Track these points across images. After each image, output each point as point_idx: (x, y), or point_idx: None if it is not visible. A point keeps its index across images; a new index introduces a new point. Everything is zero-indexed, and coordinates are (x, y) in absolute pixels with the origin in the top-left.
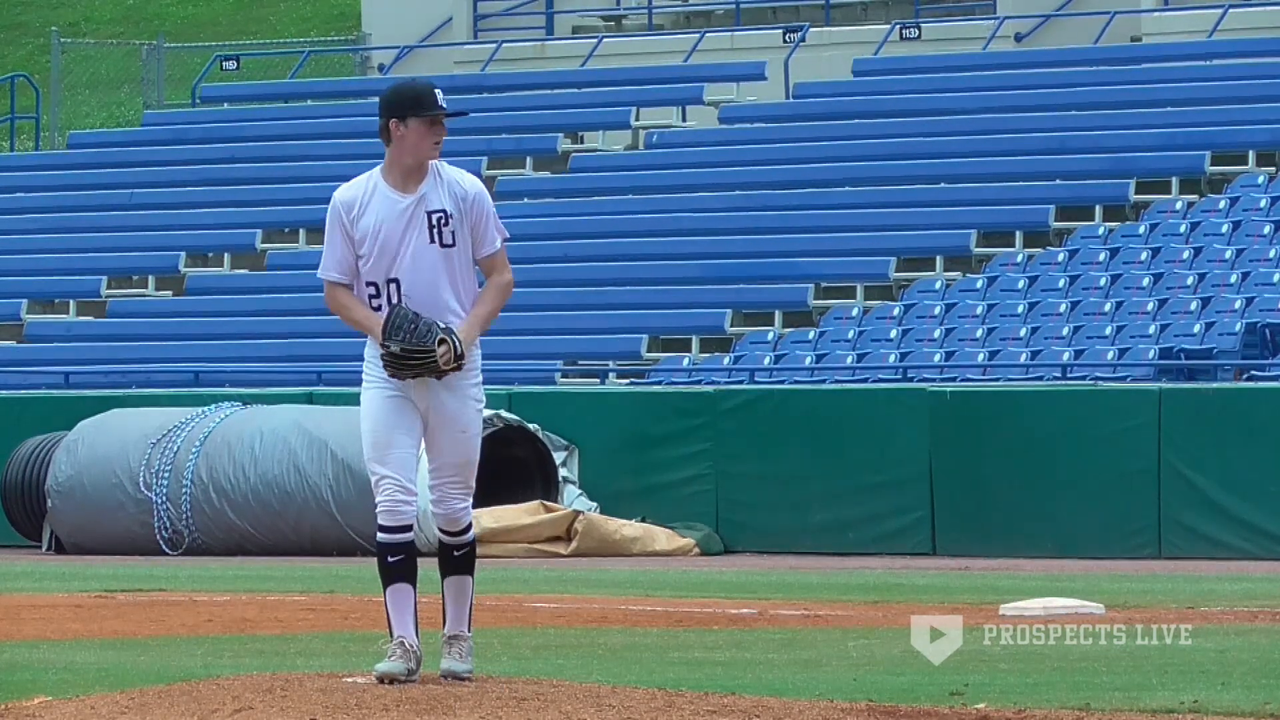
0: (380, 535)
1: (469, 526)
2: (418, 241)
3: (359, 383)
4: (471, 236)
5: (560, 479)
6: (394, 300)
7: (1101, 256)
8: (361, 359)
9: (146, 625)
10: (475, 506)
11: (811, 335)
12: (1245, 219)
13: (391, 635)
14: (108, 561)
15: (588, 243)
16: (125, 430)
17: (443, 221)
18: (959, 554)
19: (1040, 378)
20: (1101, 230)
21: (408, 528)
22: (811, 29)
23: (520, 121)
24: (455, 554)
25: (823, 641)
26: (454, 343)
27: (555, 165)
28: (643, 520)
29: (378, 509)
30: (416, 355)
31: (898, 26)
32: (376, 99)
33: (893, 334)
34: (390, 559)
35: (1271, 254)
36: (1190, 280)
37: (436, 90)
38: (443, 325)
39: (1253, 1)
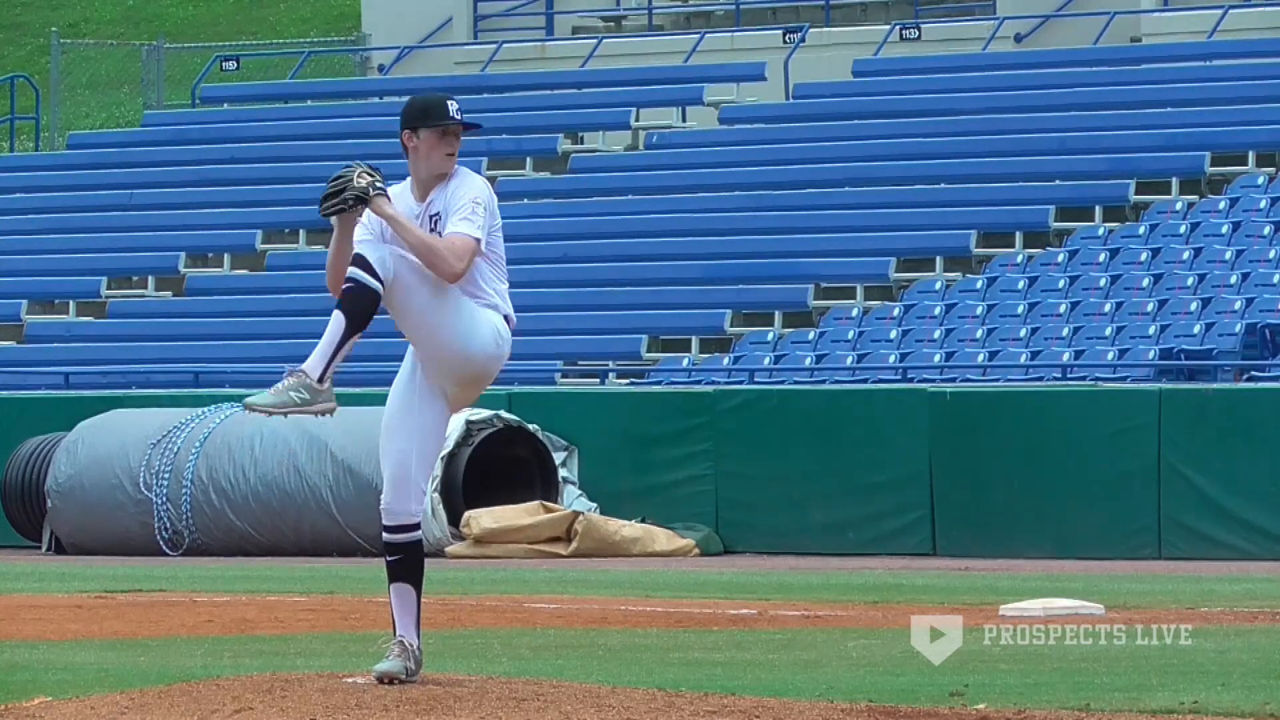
0: (383, 535)
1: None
2: None
3: (359, 383)
4: None
5: (560, 479)
6: None
7: (1101, 257)
8: (364, 359)
9: (146, 625)
10: (475, 506)
11: (811, 335)
12: (1245, 219)
13: (394, 634)
14: (108, 562)
15: (588, 243)
16: (125, 431)
17: (436, 221)
18: (959, 554)
19: (1040, 378)
20: (1101, 231)
21: (406, 528)
22: (811, 29)
23: (520, 122)
24: None
25: (823, 642)
26: (375, 179)
27: (555, 165)
28: (643, 521)
29: (381, 507)
30: (335, 189)
31: (898, 27)
32: (377, 99)
33: (893, 334)
34: (389, 559)
35: (1271, 254)
36: (1190, 281)
37: (450, 102)
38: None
39: (1253, 1)
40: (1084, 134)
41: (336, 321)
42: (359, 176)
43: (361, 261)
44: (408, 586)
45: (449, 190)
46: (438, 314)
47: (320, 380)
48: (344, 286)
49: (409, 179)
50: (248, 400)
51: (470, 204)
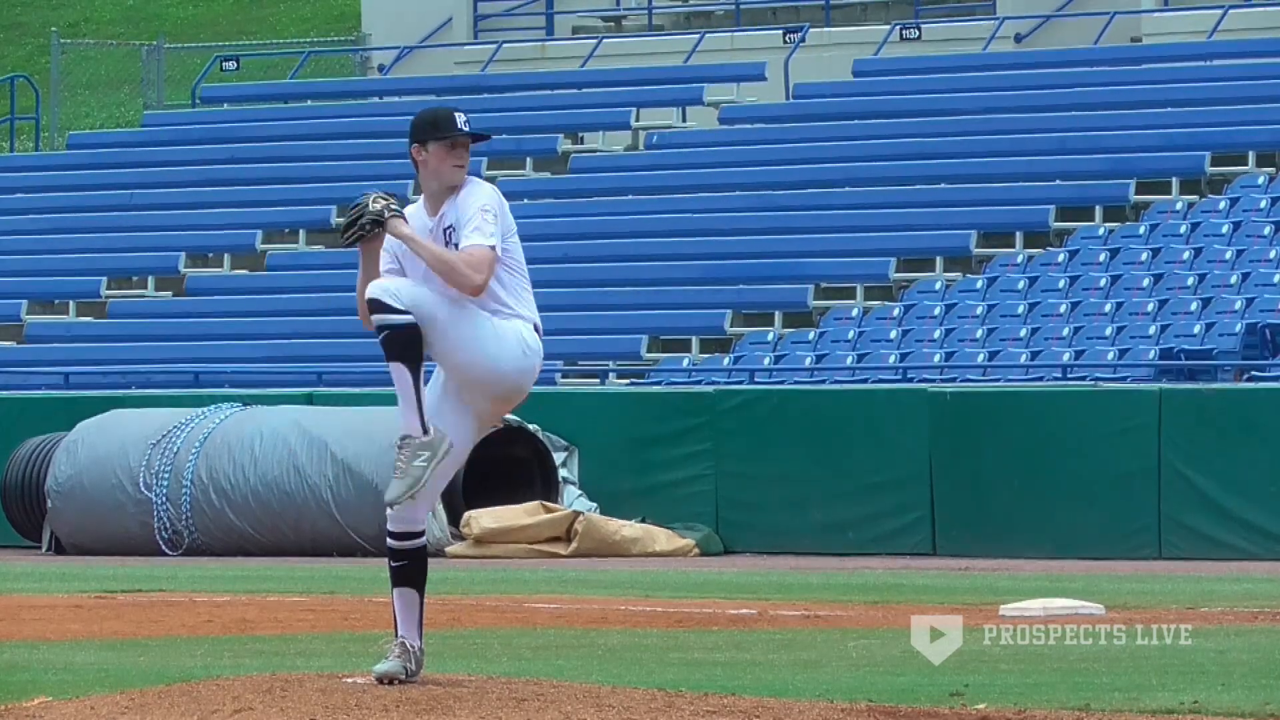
0: (388, 540)
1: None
2: None
3: (359, 383)
4: None
5: (560, 479)
6: None
7: (1102, 257)
8: (360, 359)
9: (146, 625)
10: (475, 507)
11: (811, 335)
12: (1245, 219)
13: (396, 635)
14: (108, 562)
15: (588, 243)
16: (125, 431)
17: (450, 234)
18: (959, 554)
19: (1040, 378)
20: (1101, 230)
21: (412, 535)
22: (811, 29)
23: (520, 122)
24: None
25: (823, 642)
26: (389, 202)
27: (555, 166)
28: (643, 521)
29: (387, 512)
30: (353, 217)
31: (898, 27)
32: (377, 99)
33: (893, 334)
34: (393, 564)
35: (1271, 254)
36: (1190, 281)
37: (457, 114)
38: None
39: (1253, 1)
40: (1084, 134)
41: (397, 372)
42: (373, 201)
43: (377, 306)
44: (411, 591)
45: (459, 201)
46: (458, 334)
47: (425, 432)
48: (379, 338)
49: (421, 196)
50: (387, 499)
51: (479, 213)
